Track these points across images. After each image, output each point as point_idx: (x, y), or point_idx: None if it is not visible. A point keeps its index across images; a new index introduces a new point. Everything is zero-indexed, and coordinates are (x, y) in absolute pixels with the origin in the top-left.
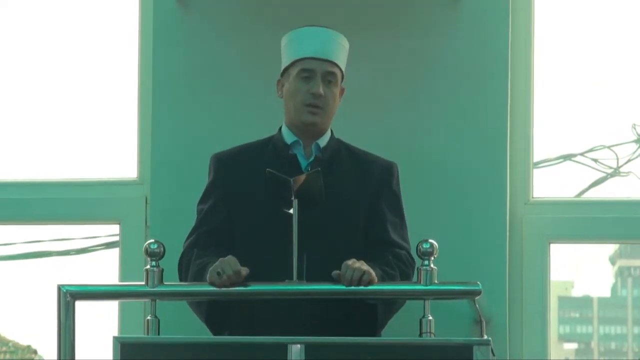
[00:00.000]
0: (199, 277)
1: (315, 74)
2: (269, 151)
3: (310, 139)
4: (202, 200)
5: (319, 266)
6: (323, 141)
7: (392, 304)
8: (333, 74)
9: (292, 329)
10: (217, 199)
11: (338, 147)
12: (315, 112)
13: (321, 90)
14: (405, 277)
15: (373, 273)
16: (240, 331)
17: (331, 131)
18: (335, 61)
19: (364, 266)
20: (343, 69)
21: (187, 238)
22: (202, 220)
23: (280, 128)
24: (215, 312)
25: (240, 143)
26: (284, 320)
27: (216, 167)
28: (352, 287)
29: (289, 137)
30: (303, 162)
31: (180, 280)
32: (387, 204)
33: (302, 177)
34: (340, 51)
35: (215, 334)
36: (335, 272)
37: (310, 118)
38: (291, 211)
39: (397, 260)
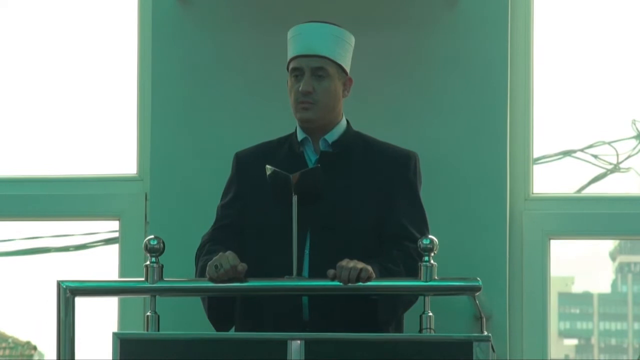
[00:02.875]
0: (203, 273)
1: (303, 71)
2: (285, 149)
3: (318, 135)
4: (221, 198)
5: (327, 261)
6: (333, 136)
7: (396, 300)
8: (322, 68)
9: (295, 325)
10: (232, 196)
11: (353, 140)
12: (307, 107)
13: (308, 87)
14: (414, 271)
15: (370, 269)
16: (243, 327)
17: (347, 124)
18: (324, 54)
19: (359, 264)
20: (340, 61)
21: (206, 233)
22: (218, 216)
23: (296, 125)
24: (216, 309)
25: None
26: (286, 316)
27: (234, 165)
28: (352, 284)
29: (299, 134)
30: (312, 158)
31: (195, 275)
32: (401, 194)
33: (300, 174)
34: (333, 43)
35: (218, 330)
36: (330, 272)
37: (304, 115)
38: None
39: (403, 255)
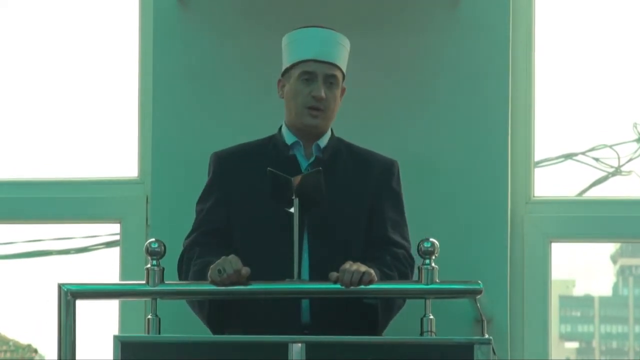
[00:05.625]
0: (199, 276)
1: (316, 76)
2: (270, 151)
3: (311, 140)
4: (202, 200)
5: (321, 265)
6: (323, 141)
7: (391, 304)
8: (334, 76)
9: (293, 328)
10: (216, 199)
11: (338, 147)
12: (316, 114)
13: (323, 94)
14: (404, 277)
15: (373, 272)
16: (241, 330)
17: (331, 131)
18: (336, 63)
19: (362, 267)
20: (344, 70)
21: (187, 237)
22: (203, 219)
23: (280, 128)
24: (216, 312)
25: (240, 142)
26: (284, 319)
27: (215, 166)
28: (353, 287)
29: (289, 137)
30: (303, 163)
31: (180, 279)
32: (387, 202)
33: (302, 177)
34: (341, 52)
35: (215, 334)
36: (332, 275)
37: (312, 121)
38: (292, 210)
39: (394, 261)
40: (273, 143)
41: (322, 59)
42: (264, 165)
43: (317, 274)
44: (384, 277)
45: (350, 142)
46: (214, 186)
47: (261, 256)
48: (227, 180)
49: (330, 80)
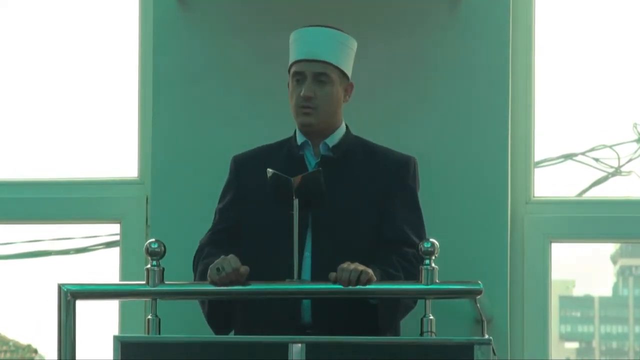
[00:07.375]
0: (203, 276)
1: (305, 76)
2: (283, 152)
3: (318, 139)
4: (219, 201)
5: (324, 266)
6: (333, 140)
7: (396, 305)
8: (324, 74)
9: (294, 327)
10: (230, 199)
11: (352, 145)
12: (308, 112)
13: (310, 92)
14: (411, 276)
15: (370, 272)
16: (241, 330)
17: (346, 128)
18: (328, 60)
19: (360, 266)
20: (342, 66)
21: (204, 237)
22: (217, 220)
23: (295, 129)
24: (217, 312)
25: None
26: (285, 319)
27: (232, 168)
28: (352, 287)
29: (299, 138)
30: (312, 162)
31: (194, 278)
32: (400, 199)
33: (302, 177)
34: (336, 49)
35: (216, 332)
36: (331, 275)
37: (304, 119)
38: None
39: (402, 260)
40: (289, 144)
41: (311, 57)
42: (275, 166)
43: (319, 274)
44: (388, 277)
45: (367, 140)
46: (229, 187)
47: (265, 256)
48: (240, 182)
49: (320, 78)
